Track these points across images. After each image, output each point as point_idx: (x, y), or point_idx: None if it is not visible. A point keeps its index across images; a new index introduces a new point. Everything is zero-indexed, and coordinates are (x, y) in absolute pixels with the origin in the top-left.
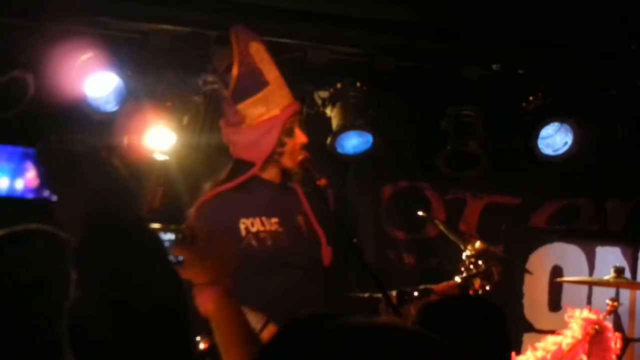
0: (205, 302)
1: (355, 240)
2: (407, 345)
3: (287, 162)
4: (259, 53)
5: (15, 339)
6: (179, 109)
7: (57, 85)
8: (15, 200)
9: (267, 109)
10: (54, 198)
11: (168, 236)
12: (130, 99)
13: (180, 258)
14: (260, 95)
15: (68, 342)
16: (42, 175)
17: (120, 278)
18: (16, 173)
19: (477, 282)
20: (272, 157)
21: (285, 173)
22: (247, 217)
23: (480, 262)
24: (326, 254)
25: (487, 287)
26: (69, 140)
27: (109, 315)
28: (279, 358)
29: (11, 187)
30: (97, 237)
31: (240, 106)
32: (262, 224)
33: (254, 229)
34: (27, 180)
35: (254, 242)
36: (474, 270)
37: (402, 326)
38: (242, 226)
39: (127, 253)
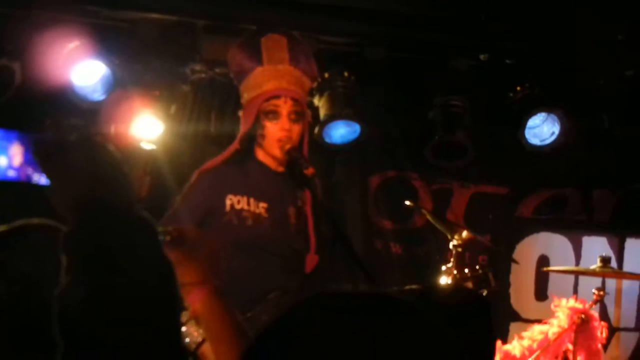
0: (194, 302)
1: (342, 230)
2: (393, 312)
3: (271, 148)
4: (272, 41)
5: (17, 337)
6: (167, 98)
7: (44, 73)
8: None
9: (254, 89)
10: (47, 183)
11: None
12: (118, 88)
13: None
14: (252, 75)
15: (57, 329)
16: (36, 159)
17: (110, 264)
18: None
19: (469, 285)
20: (256, 140)
21: (293, 167)
22: (235, 193)
23: (477, 267)
24: (311, 260)
25: (485, 293)
26: (62, 125)
27: (99, 302)
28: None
29: None
30: (88, 222)
31: (241, 86)
32: (248, 204)
33: (238, 206)
34: (10, 158)
35: (234, 220)
36: (469, 274)
37: (388, 294)
38: (227, 201)
39: (117, 239)
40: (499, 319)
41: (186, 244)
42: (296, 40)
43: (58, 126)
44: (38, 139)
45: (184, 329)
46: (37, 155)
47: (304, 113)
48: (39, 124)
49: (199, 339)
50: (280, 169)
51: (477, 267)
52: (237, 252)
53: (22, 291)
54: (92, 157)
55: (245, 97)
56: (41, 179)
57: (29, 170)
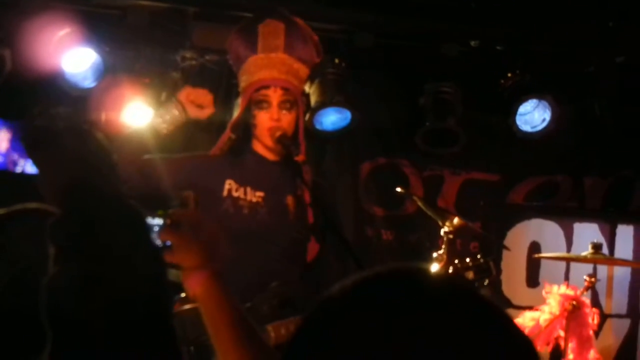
0: (194, 286)
1: (333, 217)
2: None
3: (262, 137)
4: (269, 27)
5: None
6: (157, 85)
7: (34, 61)
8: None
9: (247, 79)
10: (34, 171)
11: (156, 221)
12: (108, 75)
13: (168, 243)
14: (246, 64)
15: (46, 318)
16: (24, 147)
17: (98, 252)
18: None
19: (469, 274)
20: (249, 129)
21: (290, 156)
22: (234, 180)
23: (478, 256)
24: (312, 249)
25: (485, 282)
26: (51, 114)
27: (87, 290)
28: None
29: None
30: (76, 210)
31: (238, 75)
32: (245, 193)
33: (235, 194)
34: None
35: (230, 209)
36: (470, 263)
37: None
38: (226, 186)
39: (106, 227)
40: None
41: (186, 227)
42: (295, 26)
43: (46, 114)
44: (26, 127)
45: None
46: (25, 143)
47: (296, 101)
48: (28, 112)
49: None
50: (276, 158)
51: (479, 256)
52: (234, 242)
53: (22, 273)
54: (80, 146)
55: (241, 85)
56: (27, 166)
57: (15, 157)
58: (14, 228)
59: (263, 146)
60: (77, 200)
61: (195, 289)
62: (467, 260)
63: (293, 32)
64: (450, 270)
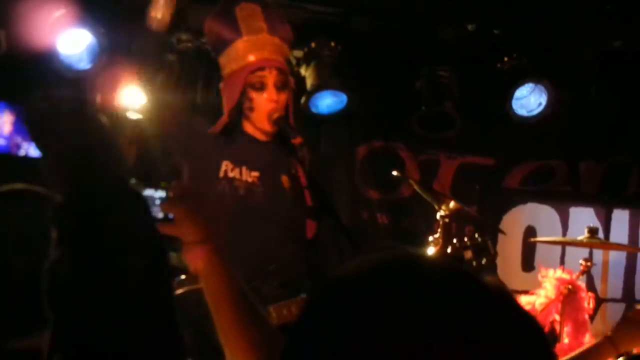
0: (195, 260)
1: (330, 200)
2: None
3: (259, 120)
4: (246, 11)
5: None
6: (153, 67)
7: (29, 42)
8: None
9: (237, 62)
10: (38, 153)
11: (158, 193)
12: (104, 57)
13: (171, 215)
14: (231, 47)
15: (47, 302)
16: (27, 130)
17: (100, 236)
18: None
19: (467, 254)
20: (243, 112)
21: (282, 135)
22: (230, 160)
23: (475, 235)
24: (311, 227)
25: (483, 261)
26: (55, 97)
27: (89, 274)
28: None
29: None
30: (79, 194)
31: (220, 59)
32: (240, 173)
33: (231, 174)
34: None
35: (226, 189)
36: (467, 243)
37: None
38: (223, 166)
39: (108, 211)
40: None
41: (188, 201)
42: (269, 8)
43: (50, 97)
44: (30, 110)
45: None
46: (29, 126)
47: (288, 81)
48: (28, 94)
49: None
50: (268, 138)
51: (476, 235)
52: (231, 222)
53: (13, 249)
54: (84, 129)
55: (227, 69)
56: (30, 149)
57: (19, 140)
58: (4, 207)
59: (254, 127)
60: (80, 184)
61: (196, 264)
62: (465, 239)
63: (270, 13)
64: (449, 250)
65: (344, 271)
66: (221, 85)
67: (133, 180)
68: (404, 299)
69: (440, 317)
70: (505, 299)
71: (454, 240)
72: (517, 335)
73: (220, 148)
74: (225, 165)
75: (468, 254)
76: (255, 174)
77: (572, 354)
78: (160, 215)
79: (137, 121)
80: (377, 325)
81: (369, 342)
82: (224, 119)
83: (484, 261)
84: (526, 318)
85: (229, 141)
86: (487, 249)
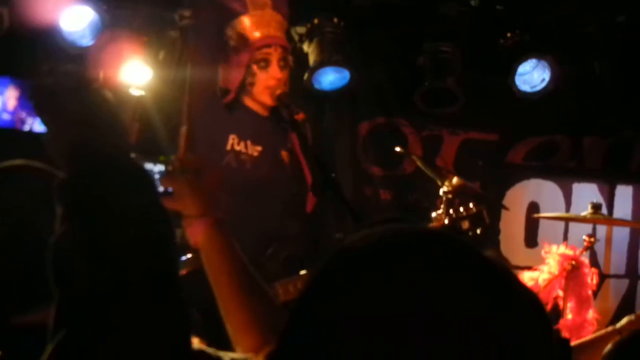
0: (195, 234)
1: (332, 175)
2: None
3: (261, 95)
4: None
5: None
6: (155, 43)
7: (32, 19)
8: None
9: (242, 37)
10: (42, 129)
11: (158, 167)
12: (106, 34)
13: (170, 189)
14: (237, 21)
15: (52, 278)
16: (32, 105)
17: (105, 212)
18: None
19: (465, 224)
20: (245, 87)
21: (276, 110)
22: (235, 134)
23: (470, 205)
24: (311, 201)
25: (478, 231)
26: (60, 72)
27: (93, 250)
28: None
29: None
30: (83, 170)
31: (228, 30)
32: (246, 147)
33: (238, 147)
34: (4, 102)
35: (233, 163)
36: (463, 213)
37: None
38: (230, 140)
39: (113, 187)
40: None
41: (188, 174)
42: None
43: (55, 72)
44: (34, 84)
45: None
46: (33, 101)
47: (288, 59)
48: (32, 70)
49: None
50: (266, 113)
51: (471, 205)
52: (237, 196)
53: (17, 225)
54: (89, 104)
55: (231, 44)
56: (35, 125)
57: (23, 115)
58: (5, 183)
59: (254, 102)
60: (85, 160)
61: (196, 238)
62: (461, 210)
63: None
64: (447, 221)
65: (349, 242)
66: (222, 56)
67: (134, 155)
68: (409, 270)
69: (444, 290)
70: (506, 273)
71: (451, 211)
72: (519, 309)
73: (226, 121)
74: (232, 138)
75: (465, 224)
76: (258, 148)
77: (579, 341)
78: (160, 189)
79: (139, 98)
80: (383, 295)
81: (375, 310)
82: (231, 95)
83: (479, 231)
84: (527, 293)
85: (232, 114)
86: (482, 219)
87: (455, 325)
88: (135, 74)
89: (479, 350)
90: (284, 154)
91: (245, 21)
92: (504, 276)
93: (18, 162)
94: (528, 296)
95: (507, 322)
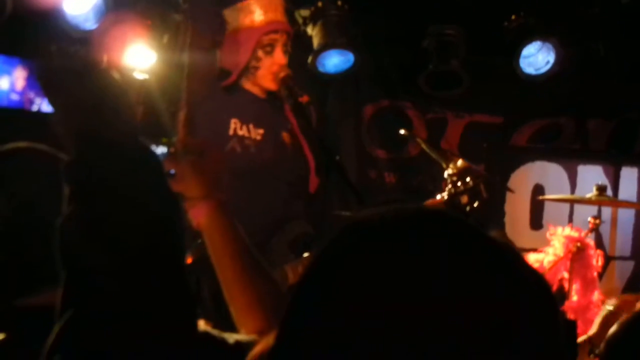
0: (198, 216)
1: (337, 158)
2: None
3: (263, 79)
4: None
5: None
6: (159, 27)
7: (35, 1)
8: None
9: (249, 19)
10: (50, 110)
11: (160, 149)
12: (110, 17)
13: (173, 171)
14: (244, 3)
15: (59, 259)
16: (40, 86)
17: (112, 194)
18: (1, 73)
19: (464, 199)
20: (249, 70)
21: (271, 92)
22: (237, 118)
23: (467, 179)
24: (313, 182)
25: (475, 204)
26: (68, 52)
27: (100, 231)
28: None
29: None
30: (90, 151)
31: (226, 11)
32: (249, 131)
33: (241, 132)
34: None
35: (237, 148)
36: (461, 188)
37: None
38: (232, 125)
39: (120, 169)
40: None
41: (191, 156)
42: None
43: (63, 52)
44: (42, 66)
45: None
46: (41, 82)
47: (289, 45)
48: (38, 51)
49: None
50: (265, 95)
51: (468, 179)
52: (243, 180)
53: (23, 206)
54: (97, 85)
55: (235, 24)
56: (43, 105)
57: (32, 95)
58: (9, 165)
59: (255, 85)
60: (93, 142)
61: (199, 220)
62: (459, 184)
63: None
64: (446, 196)
65: (352, 220)
66: (218, 37)
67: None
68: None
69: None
70: (512, 254)
71: (450, 186)
72: (524, 290)
73: (226, 106)
74: (234, 122)
75: (464, 199)
76: (260, 131)
77: None
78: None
79: (143, 81)
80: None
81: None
82: (233, 77)
83: (476, 204)
84: (533, 273)
85: (232, 98)
86: (480, 193)
87: (461, 305)
88: (139, 57)
89: (484, 329)
90: (285, 135)
91: (253, 4)
92: (509, 257)
93: (21, 144)
94: (534, 277)
95: (512, 302)
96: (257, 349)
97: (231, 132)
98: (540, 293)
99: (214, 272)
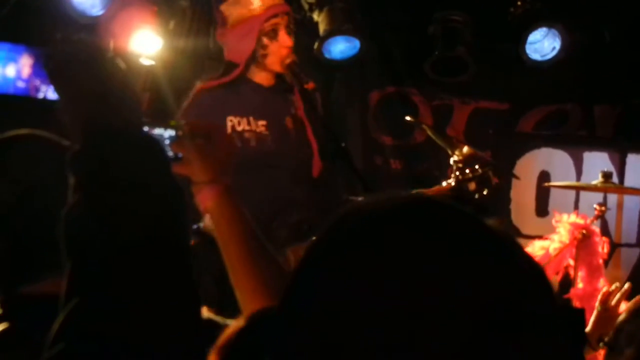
0: (205, 200)
1: (343, 145)
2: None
3: (274, 65)
4: None
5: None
6: (165, 13)
7: None
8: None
9: (248, 9)
10: (56, 97)
11: (168, 132)
12: (116, 3)
13: (180, 155)
14: None
15: (64, 247)
16: (47, 74)
17: (117, 182)
18: (7, 61)
19: (471, 186)
20: (255, 59)
21: (280, 77)
22: (234, 115)
23: (476, 166)
24: (316, 165)
25: (485, 192)
26: (74, 40)
27: (105, 221)
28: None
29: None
30: (96, 140)
31: (223, 7)
32: (249, 124)
33: (239, 128)
34: (19, 69)
35: (237, 142)
36: (469, 175)
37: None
38: (228, 123)
39: (125, 158)
40: None
41: (198, 139)
42: None
43: (70, 40)
44: (48, 53)
45: None
46: (48, 69)
47: (292, 23)
48: (44, 38)
49: None
50: (272, 82)
51: (477, 166)
52: (244, 173)
53: (27, 192)
54: (102, 75)
55: (235, 16)
56: (49, 92)
57: (38, 83)
58: (12, 152)
59: (264, 72)
60: (97, 131)
61: (206, 204)
62: (467, 171)
63: None
64: (453, 183)
65: (350, 207)
66: (222, 32)
67: (145, 120)
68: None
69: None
70: (508, 241)
71: (457, 173)
72: (520, 278)
73: (221, 104)
74: (230, 120)
75: (472, 186)
76: (263, 122)
77: None
78: (170, 154)
79: (149, 67)
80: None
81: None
82: (241, 68)
83: (485, 192)
84: (529, 262)
85: (231, 92)
86: (489, 180)
87: (453, 290)
88: (145, 43)
89: (477, 316)
90: (288, 120)
91: None
92: (504, 244)
93: (24, 131)
94: (530, 265)
95: (506, 290)
96: (227, 333)
97: (229, 130)
98: (536, 282)
99: (218, 257)
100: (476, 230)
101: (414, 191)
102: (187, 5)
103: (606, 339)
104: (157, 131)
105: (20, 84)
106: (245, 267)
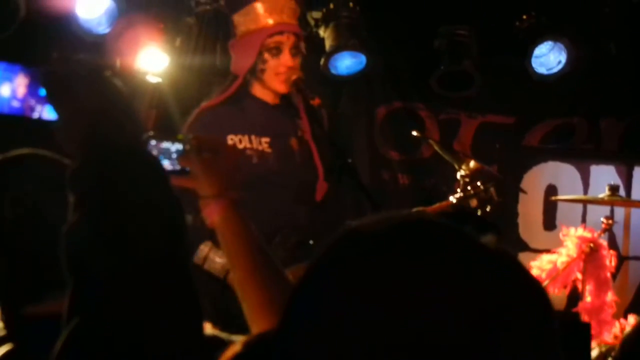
0: (212, 214)
1: (350, 161)
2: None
3: (271, 82)
4: None
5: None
6: (172, 30)
7: (48, 6)
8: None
9: (256, 22)
10: (53, 117)
11: (175, 146)
12: (122, 21)
13: (187, 168)
14: (250, 7)
15: (65, 266)
16: (44, 93)
17: (117, 201)
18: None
19: (473, 202)
20: (255, 73)
21: (285, 97)
22: (235, 133)
23: (478, 183)
24: (321, 188)
25: (488, 209)
26: (72, 60)
27: (106, 238)
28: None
29: None
30: (95, 159)
31: (235, 16)
32: (250, 142)
33: (241, 146)
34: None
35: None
36: (471, 192)
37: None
38: (229, 142)
39: (124, 176)
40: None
41: (206, 153)
42: None
43: (66, 60)
44: (46, 72)
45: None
46: (47, 86)
47: (301, 47)
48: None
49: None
50: (277, 101)
51: (479, 183)
52: (244, 190)
53: (28, 212)
54: (101, 92)
55: (243, 28)
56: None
57: (33, 103)
58: (14, 171)
59: (267, 90)
60: (95, 149)
61: (213, 218)
62: (469, 188)
63: None
64: (455, 200)
65: (348, 229)
66: (232, 42)
67: (150, 133)
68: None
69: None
70: (507, 260)
71: (459, 190)
72: (516, 297)
73: (222, 123)
74: (231, 139)
75: (474, 203)
76: (266, 139)
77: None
78: (177, 167)
79: (156, 85)
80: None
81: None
82: (239, 81)
83: (488, 208)
84: (527, 280)
85: (233, 109)
86: (491, 197)
87: (450, 309)
88: (152, 60)
89: (474, 334)
90: (294, 141)
91: (258, 7)
92: (501, 262)
93: (25, 150)
94: (528, 283)
95: (502, 308)
96: (227, 355)
97: None
98: (534, 300)
99: (212, 279)
100: (470, 249)
101: (416, 209)
102: (193, 23)
103: (613, 354)
104: (164, 145)
105: (15, 104)
106: (253, 282)
